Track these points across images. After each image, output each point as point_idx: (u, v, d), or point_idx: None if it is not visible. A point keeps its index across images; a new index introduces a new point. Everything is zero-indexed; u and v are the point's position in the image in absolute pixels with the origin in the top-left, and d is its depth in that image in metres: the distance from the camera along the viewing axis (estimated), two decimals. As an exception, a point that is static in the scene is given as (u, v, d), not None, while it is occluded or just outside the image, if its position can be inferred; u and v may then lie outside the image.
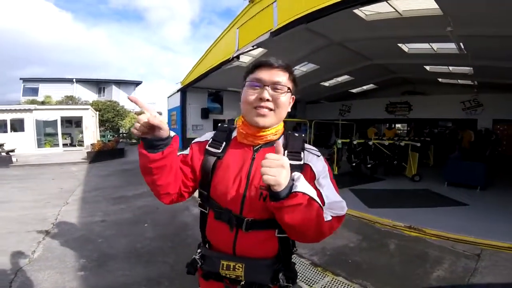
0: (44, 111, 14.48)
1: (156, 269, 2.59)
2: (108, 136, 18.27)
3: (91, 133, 15.60)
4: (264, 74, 0.88)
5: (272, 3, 4.43)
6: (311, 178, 0.88)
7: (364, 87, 13.09)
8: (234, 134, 1.00)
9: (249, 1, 5.16)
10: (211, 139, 0.99)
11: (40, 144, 14.14)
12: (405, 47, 6.64)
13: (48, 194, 5.29)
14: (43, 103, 18.13)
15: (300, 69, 9.19)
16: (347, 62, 8.14)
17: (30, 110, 13.75)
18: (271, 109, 0.88)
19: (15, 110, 13.58)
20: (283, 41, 5.35)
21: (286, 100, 0.91)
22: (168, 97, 16.29)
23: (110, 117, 19.55)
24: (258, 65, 0.91)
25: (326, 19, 4.06)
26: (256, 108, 0.88)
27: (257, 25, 4.90)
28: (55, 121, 14.54)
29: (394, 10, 4.59)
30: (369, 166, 6.83)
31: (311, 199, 0.75)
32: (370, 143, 6.74)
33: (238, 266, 0.87)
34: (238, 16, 5.76)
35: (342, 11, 3.74)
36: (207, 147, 0.97)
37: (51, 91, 21.45)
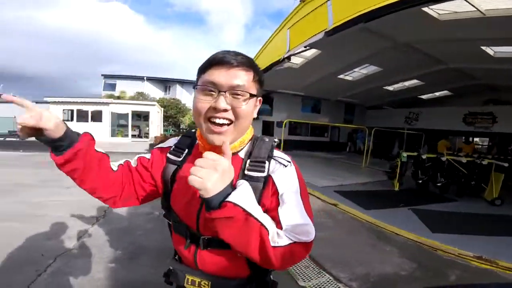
0: (118, 105, 16.64)
1: None
2: (170, 131, 20.14)
3: (156, 127, 17.34)
4: (221, 76, 0.68)
5: (325, 2, 4.14)
6: (274, 192, 0.72)
7: (436, 94, 11.57)
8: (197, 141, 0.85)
9: (300, 1, 4.92)
10: (173, 146, 0.86)
11: (113, 134, 16.28)
12: (490, 50, 5.66)
13: (111, 179, 5.90)
14: (119, 97, 20.88)
15: (360, 71, 8.55)
16: (416, 65, 7.27)
17: (107, 104, 16.00)
18: (230, 121, 0.70)
19: (96, 103, 15.96)
20: (340, 41, 4.97)
21: (249, 107, 0.72)
22: None
23: (173, 113, 21.52)
24: (212, 62, 0.70)
25: (389, 18, 3.61)
26: (210, 121, 0.70)
27: (309, 25, 4.65)
28: (127, 114, 16.60)
29: (475, 9, 3.92)
30: (439, 184, 5.92)
31: (247, 214, 0.61)
32: (444, 159, 5.83)
33: (204, 283, 0.77)
34: (289, 16, 5.57)
35: (407, 9, 3.29)
36: (168, 154, 0.85)
37: (125, 87, 24.63)
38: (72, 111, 15.78)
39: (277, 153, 0.78)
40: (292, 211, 0.71)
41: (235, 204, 0.60)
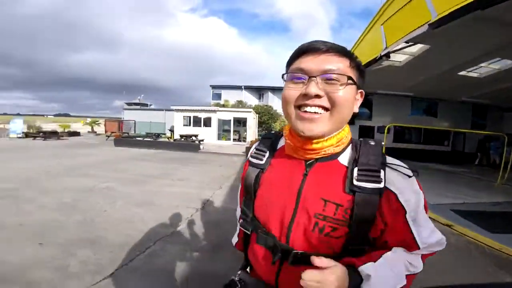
0: (223, 112, 19.09)
1: None
2: (263, 135, 21.62)
3: (252, 132, 18.90)
4: (309, 62, 0.61)
5: (422, -9, 3.47)
6: (397, 211, 0.60)
7: None
8: (282, 142, 0.77)
9: (390, -6, 4.30)
10: (254, 149, 0.79)
11: (219, 137, 18.77)
12: None
13: (212, 177, 6.79)
14: (223, 105, 23.85)
15: (489, 67, 6.73)
16: None
17: (215, 111, 18.63)
18: (325, 109, 0.61)
19: (206, 111, 18.87)
20: (453, 33, 4.09)
21: (348, 95, 0.61)
22: None
23: (265, 119, 22.98)
24: (299, 52, 0.63)
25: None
26: (300, 109, 0.62)
27: (406, 19, 4.00)
28: (229, 120, 18.80)
29: None
30: None
31: None
32: None
33: None
34: (380, 11, 4.96)
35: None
36: (249, 158, 0.79)
37: (228, 96, 27.93)
38: (189, 117, 19.14)
39: (391, 159, 0.65)
40: (428, 233, 0.64)
41: None
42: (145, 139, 16.57)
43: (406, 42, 4.29)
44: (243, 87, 28.66)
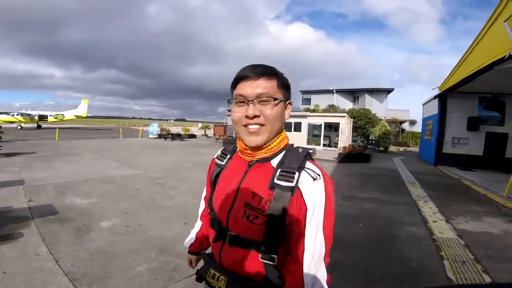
0: (313, 117, 19.10)
1: (344, 258, 2.84)
2: (358, 141, 20.17)
3: (345, 137, 18.18)
4: (246, 88, 0.78)
5: None
6: (302, 206, 0.73)
7: None
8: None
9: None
10: (220, 152, 1.00)
11: (308, 142, 18.91)
12: None
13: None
14: (313, 110, 23.74)
15: None
16: None
17: (305, 116, 18.87)
18: (261, 125, 0.79)
19: (297, 116, 19.26)
20: None
21: (277, 111, 0.79)
22: (423, 104, 14.82)
23: (362, 124, 21.36)
24: (238, 79, 0.81)
25: None
26: (246, 127, 0.80)
27: None
28: (320, 125, 18.70)
29: None
30: None
31: None
32: None
33: (222, 278, 0.84)
34: (499, 6, 4.16)
35: None
36: (215, 159, 1.00)
37: (319, 100, 27.54)
38: (280, 123, 20.08)
39: (309, 165, 0.79)
40: (312, 242, 0.74)
41: None
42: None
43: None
44: (334, 90, 27.83)
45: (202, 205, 1.14)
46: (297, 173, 0.75)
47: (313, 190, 0.74)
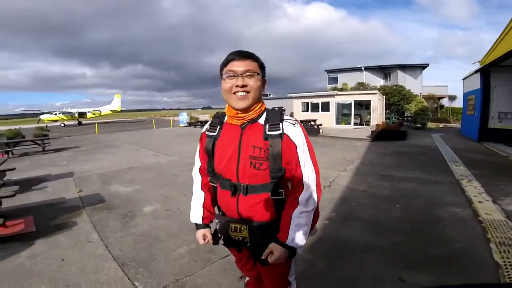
0: (341, 96, 18.31)
1: (380, 241, 2.77)
2: (393, 119, 19.03)
3: (377, 115, 17.25)
4: (237, 66, 1.00)
5: None
6: (291, 146, 1.01)
7: None
8: (226, 118, 1.13)
9: None
10: (208, 126, 1.16)
11: (338, 122, 18.29)
12: None
13: (336, 160, 6.97)
14: (341, 89, 22.71)
15: None
16: None
17: (333, 96, 18.15)
18: (247, 92, 1.00)
19: (324, 96, 18.64)
20: None
21: (258, 83, 1.03)
22: (463, 79, 13.64)
23: (395, 100, 20.02)
24: (230, 59, 1.02)
25: None
26: (235, 94, 1.01)
27: None
28: (350, 104, 17.92)
29: None
30: None
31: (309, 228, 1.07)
32: None
33: (243, 228, 1.05)
34: None
35: None
36: (206, 132, 1.15)
37: (346, 79, 26.29)
38: (307, 103, 19.58)
39: (286, 117, 1.06)
40: (307, 168, 1.04)
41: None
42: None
43: None
44: (363, 68, 26.43)
45: (198, 177, 1.26)
46: (280, 124, 1.02)
47: (295, 132, 1.03)
